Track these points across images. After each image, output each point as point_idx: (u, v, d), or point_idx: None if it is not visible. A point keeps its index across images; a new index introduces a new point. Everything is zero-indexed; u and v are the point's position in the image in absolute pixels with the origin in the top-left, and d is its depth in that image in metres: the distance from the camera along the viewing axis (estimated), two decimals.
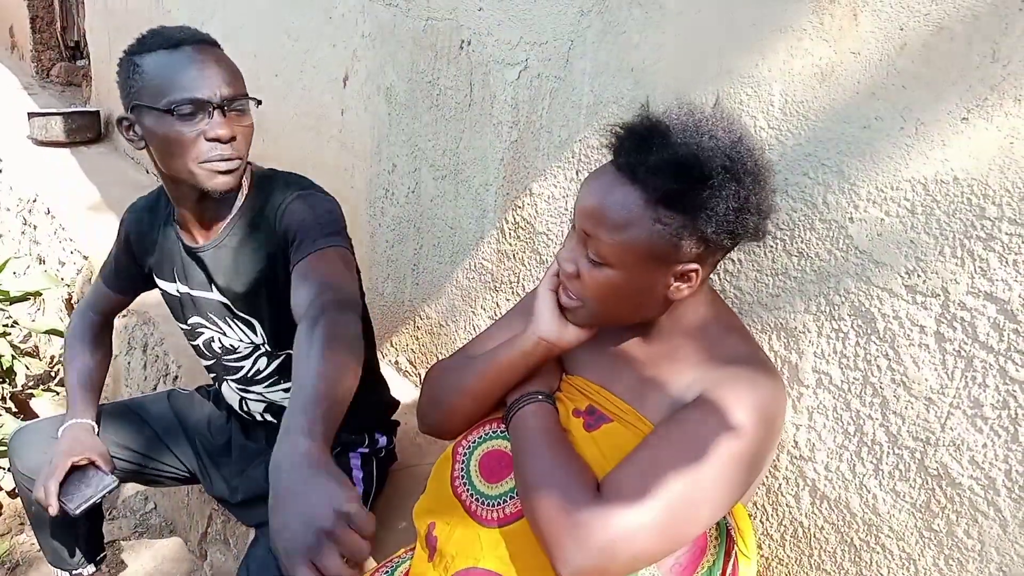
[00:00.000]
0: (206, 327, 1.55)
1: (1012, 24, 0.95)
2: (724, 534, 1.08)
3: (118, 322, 2.60)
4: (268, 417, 1.64)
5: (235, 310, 1.47)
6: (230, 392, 1.65)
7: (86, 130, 4.66)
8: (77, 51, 6.46)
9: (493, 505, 1.09)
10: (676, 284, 1.03)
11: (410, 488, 1.76)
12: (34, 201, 3.82)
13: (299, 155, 2.76)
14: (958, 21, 0.99)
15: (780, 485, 1.33)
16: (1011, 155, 0.98)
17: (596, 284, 1.04)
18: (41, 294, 3.24)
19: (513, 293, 1.87)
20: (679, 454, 0.97)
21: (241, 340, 1.52)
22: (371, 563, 1.56)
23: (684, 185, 0.95)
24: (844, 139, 1.14)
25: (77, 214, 3.53)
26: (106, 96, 4.85)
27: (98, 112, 4.82)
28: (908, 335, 1.12)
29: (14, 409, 2.84)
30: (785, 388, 1.13)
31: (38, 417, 2.51)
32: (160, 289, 1.58)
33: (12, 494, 2.47)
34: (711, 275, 1.11)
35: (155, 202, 1.54)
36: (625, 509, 0.93)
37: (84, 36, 5.53)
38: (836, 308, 1.20)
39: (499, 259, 1.88)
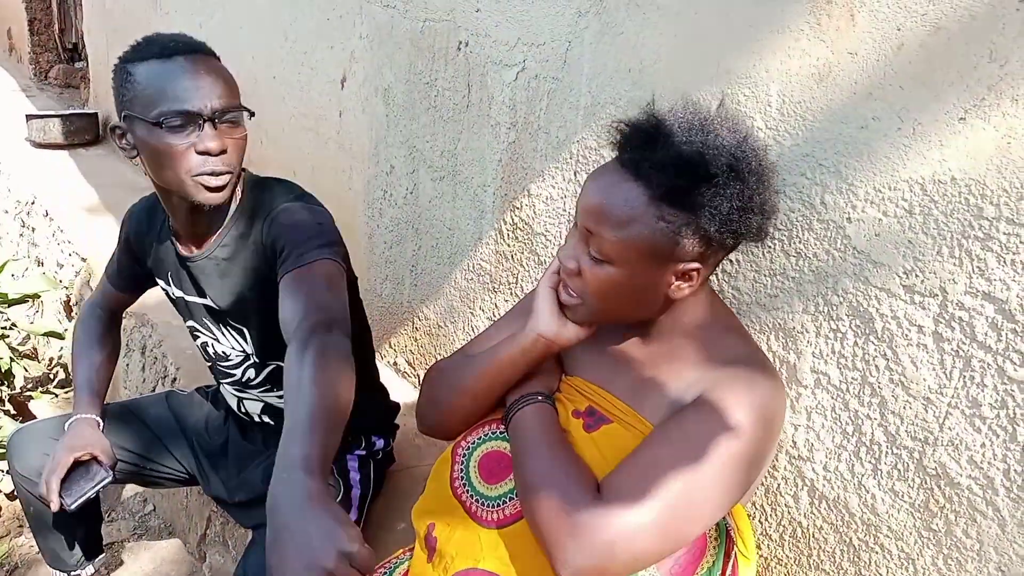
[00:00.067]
0: (201, 332, 1.55)
1: (1009, 24, 0.95)
2: (724, 534, 1.08)
3: None
4: (266, 419, 1.64)
5: (226, 319, 1.47)
6: (228, 393, 1.65)
7: (84, 132, 4.66)
8: (75, 53, 6.45)
9: (493, 506, 1.09)
10: (677, 283, 1.03)
11: (409, 489, 1.76)
12: (32, 203, 3.81)
13: (297, 156, 2.76)
14: (955, 21, 0.99)
15: (779, 485, 1.33)
16: (1008, 155, 0.98)
17: (597, 281, 1.04)
18: (39, 296, 3.24)
19: (511, 294, 1.87)
20: (679, 455, 0.97)
21: (233, 348, 1.52)
22: None
23: (688, 182, 0.95)
24: (842, 139, 1.14)
25: (75, 216, 3.52)
26: (104, 98, 4.85)
27: (96, 114, 4.82)
28: (906, 335, 1.12)
29: (12, 411, 2.83)
30: (784, 388, 1.13)
31: (36, 419, 2.51)
32: (161, 288, 1.58)
33: (11, 496, 2.47)
34: (710, 275, 1.11)
35: (154, 205, 1.54)
36: (625, 510, 0.93)
37: (82, 38, 5.52)
38: (834, 308, 1.20)
39: (497, 260, 1.88)
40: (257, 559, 1.38)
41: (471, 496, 1.12)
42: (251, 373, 1.55)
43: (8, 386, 2.88)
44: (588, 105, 1.53)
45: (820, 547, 1.30)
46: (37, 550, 2.00)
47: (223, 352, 1.54)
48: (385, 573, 1.25)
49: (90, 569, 1.77)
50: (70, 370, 1.70)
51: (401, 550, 1.30)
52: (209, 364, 1.63)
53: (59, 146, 4.56)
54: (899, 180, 1.09)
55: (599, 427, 1.10)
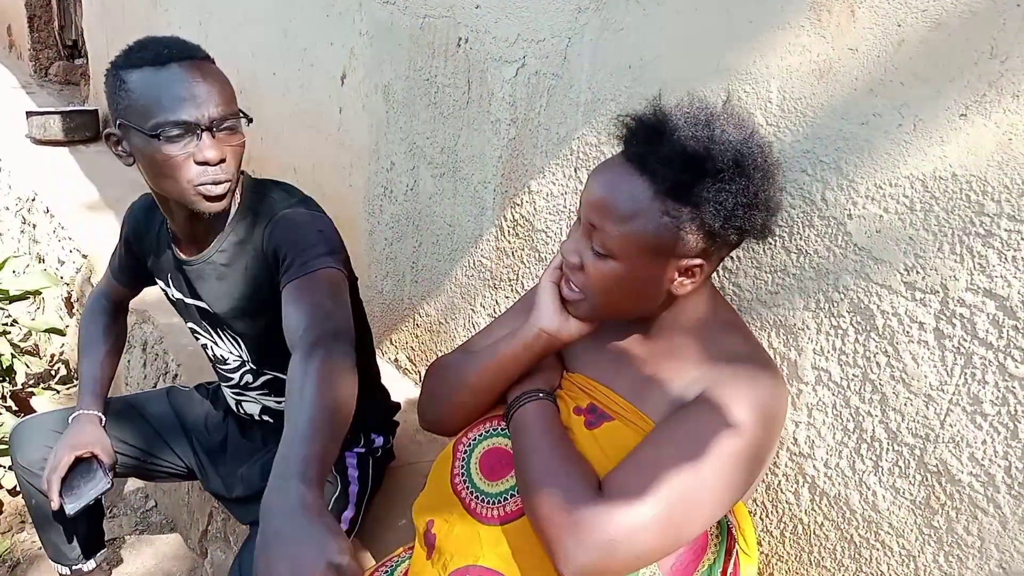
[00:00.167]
0: (200, 334, 1.56)
1: (1010, 20, 0.95)
2: (725, 532, 1.08)
3: None
4: (265, 417, 1.64)
5: (222, 325, 1.47)
6: (227, 394, 1.66)
7: (84, 129, 4.66)
8: (75, 50, 6.45)
9: (493, 503, 1.09)
10: (680, 279, 1.03)
11: (410, 485, 1.76)
12: (33, 200, 3.81)
13: (297, 153, 2.76)
14: (956, 17, 0.99)
15: (780, 482, 1.33)
16: (1010, 151, 0.97)
17: (599, 276, 1.03)
18: (40, 293, 3.24)
19: (512, 291, 1.87)
20: (680, 452, 0.97)
21: (230, 352, 1.52)
22: (370, 562, 1.56)
23: (694, 177, 0.95)
24: (842, 136, 1.14)
25: (76, 213, 3.52)
26: (104, 95, 4.84)
27: (96, 111, 4.82)
28: (907, 332, 1.12)
29: (14, 408, 2.84)
30: (786, 386, 1.13)
31: (39, 412, 2.51)
32: (161, 289, 1.58)
33: (13, 492, 2.48)
34: (713, 272, 1.11)
35: (152, 205, 1.53)
36: (626, 507, 0.93)
37: (82, 35, 5.52)
38: (835, 305, 1.20)
39: (498, 257, 1.88)
40: (252, 555, 1.38)
41: (471, 493, 1.12)
42: (248, 378, 1.55)
43: (10, 382, 2.89)
44: (588, 101, 1.53)
45: (821, 544, 1.30)
46: (39, 546, 2.01)
47: (221, 355, 1.55)
48: (387, 572, 1.25)
49: (91, 564, 1.77)
50: (75, 360, 1.70)
51: (402, 548, 1.30)
52: (211, 365, 1.64)
53: (59, 143, 4.56)
54: (900, 176, 1.08)
55: (600, 424, 1.10)
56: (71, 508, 1.47)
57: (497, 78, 1.75)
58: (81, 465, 1.51)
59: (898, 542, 1.19)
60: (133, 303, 1.78)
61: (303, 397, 1.06)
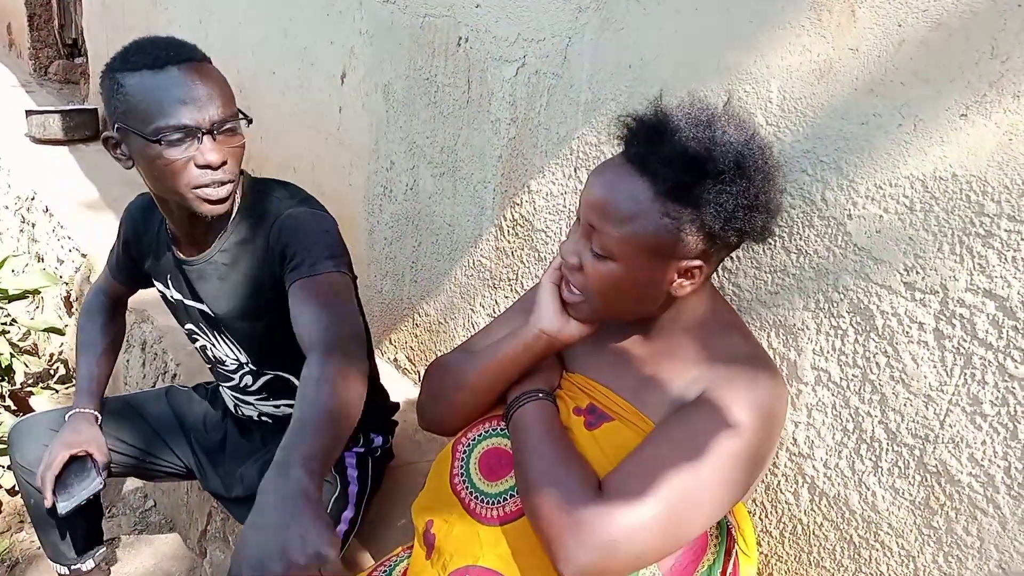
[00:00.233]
0: (199, 335, 1.55)
1: (1011, 20, 0.94)
2: (724, 532, 1.08)
3: None
4: (264, 419, 1.64)
5: (221, 327, 1.47)
6: (226, 396, 1.66)
7: (84, 128, 4.66)
8: (75, 49, 6.45)
9: (493, 503, 1.09)
10: (679, 280, 1.02)
11: (409, 485, 1.76)
12: (32, 199, 3.81)
13: (297, 153, 2.76)
14: (956, 17, 0.99)
15: (779, 482, 1.33)
16: (1010, 152, 0.97)
17: (599, 277, 1.03)
18: (40, 292, 3.23)
19: (512, 290, 1.86)
20: (680, 453, 0.97)
21: (227, 355, 1.52)
22: (369, 561, 1.56)
23: (694, 179, 0.95)
24: (842, 136, 1.14)
25: (75, 212, 3.52)
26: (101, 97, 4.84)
27: (96, 110, 4.81)
28: (907, 332, 1.12)
29: (13, 407, 2.84)
30: (786, 386, 1.13)
31: (37, 412, 2.52)
32: (159, 291, 1.58)
33: (12, 492, 2.48)
34: (712, 273, 1.11)
35: (150, 205, 1.53)
36: (626, 508, 0.93)
37: (82, 34, 5.52)
38: (835, 305, 1.19)
39: (497, 256, 1.88)
40: None
41: (471, 493, 1.12)
42: (248, 379, 1.55)
43: (9, 382, 2.89)
44: (588, 101, 1.53)
45: (820, 544, 1.30)
46: (38, 545, 2.01)
47: (220, 357, 1.54)
48: (385, 572, 1.25)
49: (90, 564, 1.77)
50: (73, 357, 1.71)
51: (400, 548, 1.30)
52: (209, 366, 1.64)
53: (59, 142, 4.56)
54: (900, 177, 1.08)
55: (600, 425, 1.10)
56: (63, 507, 1.48)
57: (497, 77, 1.75)
58: (76, 463, 1.52)
59: (897, 542, 1.19)
60: (133, 302, 1.78)
61: (317, 395, 1.08)
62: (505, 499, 1.08)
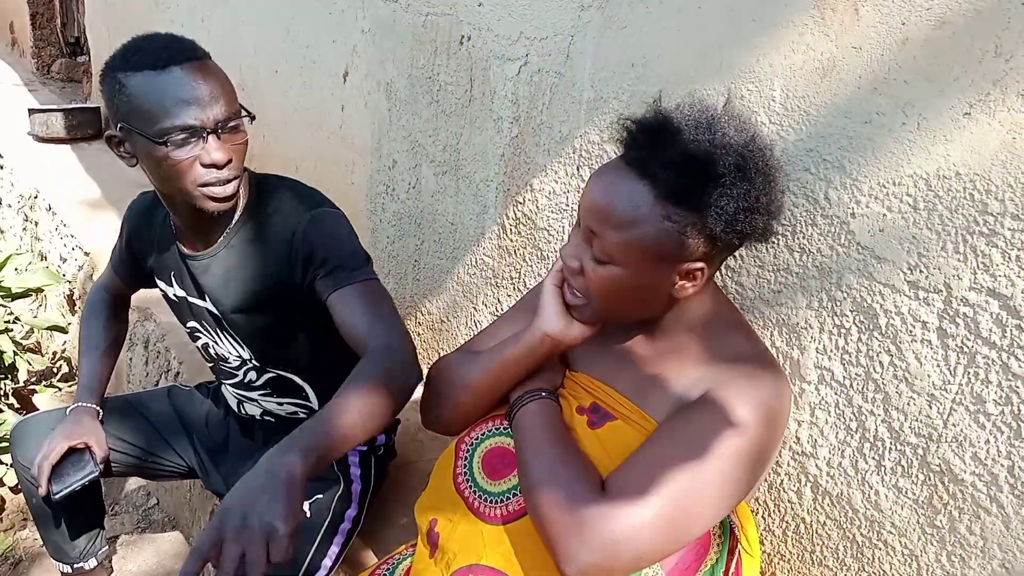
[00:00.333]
0: (202, 333, 1.55)
1: (1015, 19, 0.94)
2: (727, 532, 1.08)
3: None
4: (266, 418, 1.64)
5: (224, 322, 1.47)
6: (228, 394, 1.66)
7: (87, 126, 4.65)
8: (77, 47, 6.45)
9: (496, 502, 1.09)
10: (681, 282, 1.02)
11: (412, 484, 1.76)
12: (35, 198, 3.81)
13: (299, 151, 2.76)
14: (960, 15, 0.99)
15: (782, 481, 1.33)
16: (1014, 150, 0.97)
17: (600, 281, 1.03)
18: (43, 290, 3.24)
19: (514, 289, 1.86)
20: (683, 452, 0.97)
21: (230, 352, 1.52)
22: (372, 559, 1.56)
23: (695, 181, 0.95)
24: (846, 134, 1.13)
25: (78, 210, 3.52)
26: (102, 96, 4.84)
27: (99, 108, 4.81)
28: (911, 331, 1.12)
29: (16, 405, 2.84)
30: (789, 385, 1.13)
31: (40, 411, 2.52)
32: (160, 290, 1.58)
33: (15, 490, 2.48)
34: (715, 274, 1.10)
35: (153, 203, 1.53)
36: (629, 507, 0.93)
37: (84, 32, 5.52)
38: (838, 304, 1.19)
39: (500, 255, 1.88)
40: None
41: (474, 492, 1.12)
42: (252, 375, 1.55)
43: (12, 380, 2.89)
44: (591, 100, 1.53)
45: (823, 543, 1.29)
46: (41, 543, 2.01)
47: (223, 354, 1.54)
48: (388, 569, 1.25)
49: (92, 562, 1.78)
50: (76, 353, 1.72)
51: (404, 546, 1.30)
52: (211, 364, 1.63)
53: (61, 140, 4.56)
54: (903, 175, 1.08)
55: (603, 424, 1.09)
56: (57, 493, 1.49)
57: (499, 76, 1.75)
58: (73, 455, 1.54)
59: (900, 542, 1.19)
60: (135, 300, 1.79)
61: (356, 394, 1.11)
62: (508, 498, 1.08)
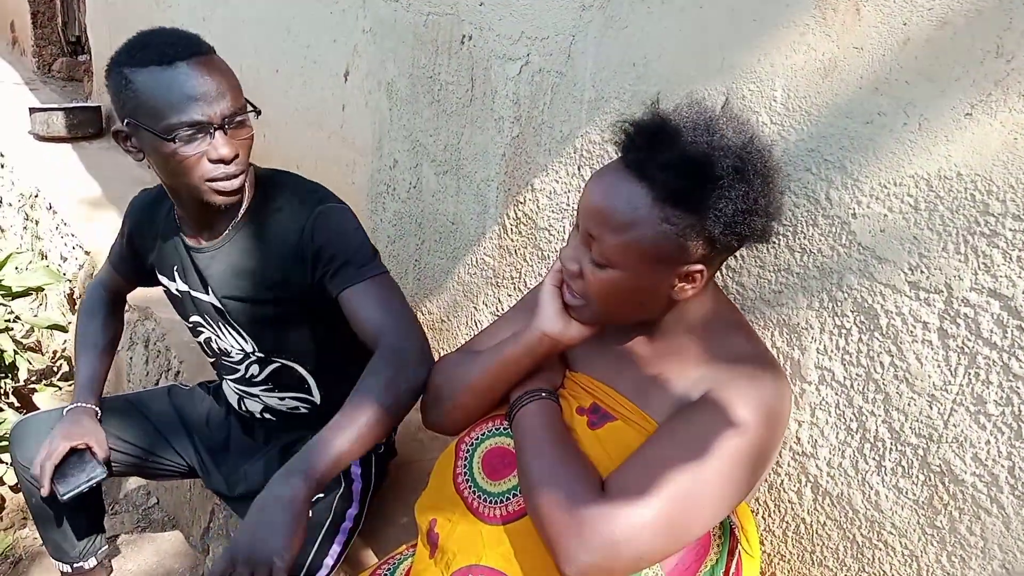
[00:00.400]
0: (204, 328, 1.55)
1: (1016, 19, 0.94)
2: (728, 532, 1.08)
3: None
4: (267, 416, 1.64)
5: (228, 315, 1.47)
6: (229, 390, 1.66)
7: (88, 125, 4.65)
8: (78, 46, 6.45)
9: (496, 502, 1.09)
10: (680, 284, 1.02)
11: (413, 483, 1.76)
12: (36, 196, 3.81)
13: (300, 151, 2.76)
14: (962, 16, 0.99)
15: (782, 481, 1.33)
16: (1015, 151, 0.97)
17: (599, 284, 1.03)
18: (43, 289, 3.24)
19: (515, 289, 1.86)
20: (683, 453, 0.96)
21: (233, 345, 1.52)
22: (372, 559, 1.56)
23: (693, 184, 0.94)
24: (847, 135, 1.13)
25: (79, 209, 3.53)
26: (108, 92, 4.84)
27: (100, 107, 4.81)
28: (911, 331, 1.12)
29: (16, 404, 2.84)
30: (789, 385, 1.12)
31: (40, 410, 2.52)
32: (162, 286, 1.58)
33: (15, 489, 2.48)
34: (714, 275, 1.10)
35: (159, 197, 1.54)
36: (629, 508, 0.93)
37: (85, 31, 5.52)
38: (839, 304, 1.19)
39: (501, 255, 1.88)
40: None
41: (474, 492, 1.12)
42: (254, 369, 1.55)
43: (12, 379, 2.89)
44: (592, 99, 1.53)
45: (823, 544, 1.29)
46: (40, 542, 2.01)
47: (225, 348, 1.54)
48: (389, 569, 1.25)
49: (92, 561, 1.77)
50: (73, 352, 1.71)
51: (404, 546, 1.30)
52: (212, 360, 1.63)
53: (62, 139, 4.56)
54: (904, 176, 1.08)
55: (603, 424, 1.09)
56: (65, 494, 1.49)
57: (501, 75, 1.75)
58: (74, 456, 1.53)
59: (901, 542, 1.19)
60: (135, 300, 1.79)
61: (368, 396, 1.19)
62: (508, 498, 1.08)
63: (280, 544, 1.07)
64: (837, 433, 1.24)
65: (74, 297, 3.28)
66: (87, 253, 3.16)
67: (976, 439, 1.07)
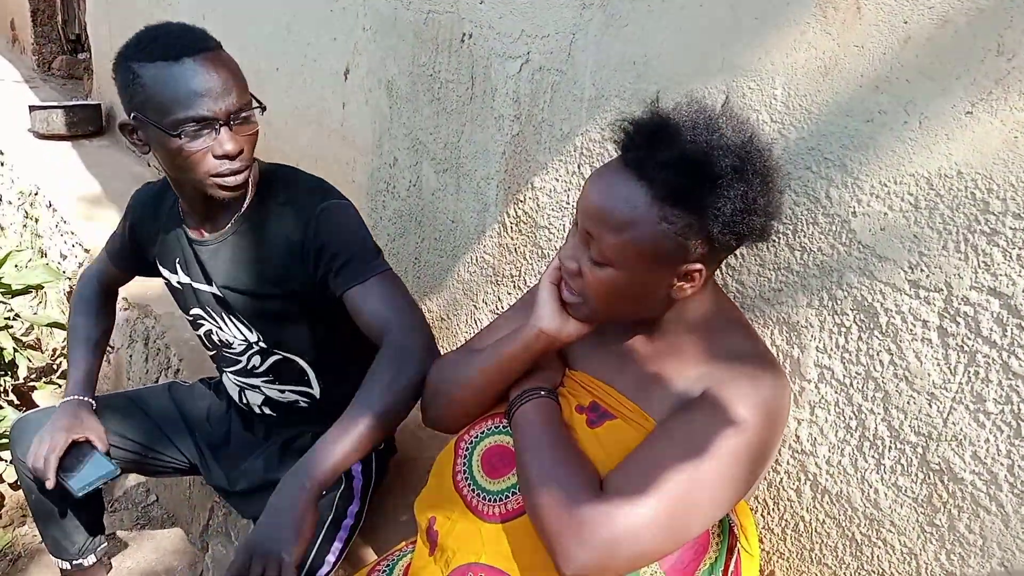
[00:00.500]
0: (205, 320, 1.55)
1: (1017, 17, 0.94)
2: (727, 531, 1.08)
3: (120, 315, 2.60)
4: (267, 411, 1.64)
5: (231, 307, 1.47)
6: (230, 383, 1.66)
7: (87, 123, 4.65)
8: (78, 44, 6.44)
9: (495, 501, 1.09)
10: (679, 284, 1.02)
11: (411, 481, 1.76)
12: (35, 194, 3.81)
13: (300, 149, 2.76)
14: (963, 14, 0.99)
15: (781, 479, 1.33)
16: (1016, 149, 0.97)
17: (598, 283, 1.03)
18: (43, 287, 3.24)
19: (514, 287, 1.86)
20: (682, 451, 0.96)
21: (235, 337, 1.52)
22: (372, 556, 1.56)
23: (692, 183, 0.94)
24: (847, 133, 1.13)
25: (78, 207, 3.53)
26: (107, 89, 4.84)
27: (99, 105, 4.81)
28: (911, 330, 1.12)
29: (16, 401, 2.84)
30: (789, 384, 1.12)
31: (39, 407, 2.52)
32: (164, 278, 1.58)
33: (14, 486, 2.48)
34: (713, 274, 1.10)
35: (163, 190, 1.55)
36: (628, 506, 0.93)
37: (85, 29, 5.51)
38: (839, 303, 1.19)
39: (500, 253, 1.88)
40: None
41: (473, 490, 1.12)
42: (256, 360, 1.55)
43: (12, 376, 2.89)
44: (592, 98, 1.53)
45: (822, 542, 1.30)
46: (40, 540, 2.01)
47: (227, 340, 1.54)
48: (388, 566, 1.25)
49: (92, 558, 1.77)
50: (67, 344, 1.71)
51: (404, 543, 1.30)
52: (213, 352, 1.63)
53: (62, 137, 4.55)
54: (905, 174, 1.08)
55: (602, 423, 1.09)
56: (80, 490, 1.48)
57: (501, 74, 1.75)
58: (75, 449, 1.53)
59: (900, 540, 1.19)
60: (134, 297, 1.79)
61: (372, 395, 1.23)
62: (507, 497, 1.08)
63: (289, 541, 1.14)
64: (836, 431, 1.24)
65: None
66: (87, 251, 3.15)
67: (975, 437, 1.07)
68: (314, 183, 1.46)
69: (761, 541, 1.38)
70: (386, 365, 1.26)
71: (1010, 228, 0.99)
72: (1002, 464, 1.05)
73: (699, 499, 0.96)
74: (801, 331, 1.25)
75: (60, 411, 1.56)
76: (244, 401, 1.66)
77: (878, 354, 1.16)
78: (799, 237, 1.22)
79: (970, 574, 1.11)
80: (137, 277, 1.72)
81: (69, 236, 3.35)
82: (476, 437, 1.17)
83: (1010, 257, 1.00)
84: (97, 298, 1.73)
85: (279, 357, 1.54)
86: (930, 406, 1.11)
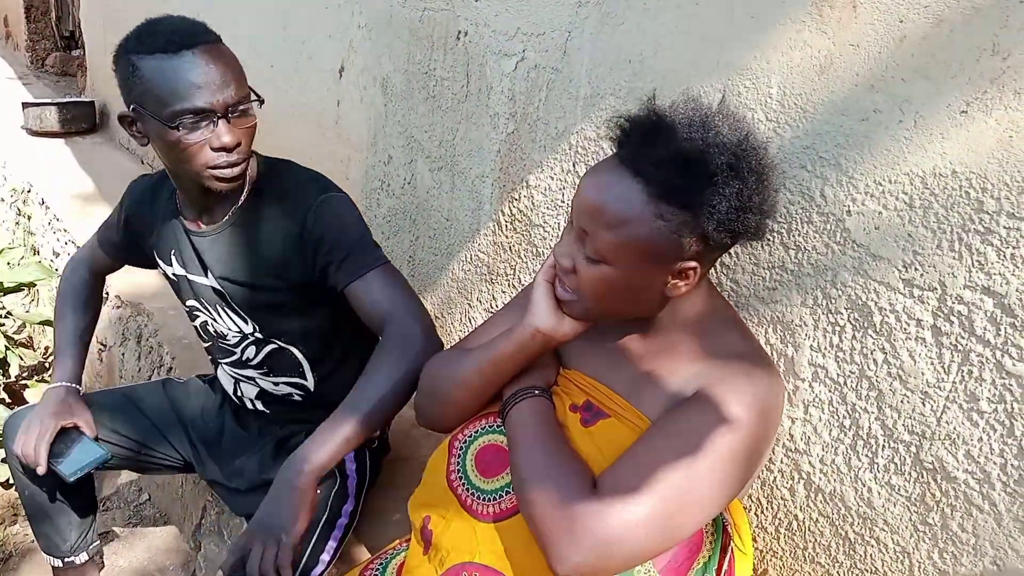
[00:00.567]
0: (201, 311, 1.55)
1: (1012, 17, 0.94)
2: (720, 529, 1.08)
3: (112, 313, 2.59)
4: (259, 406, 1.63)
5: (227, 298, 1.47)
6: (225, 376, 1.65)
7: (81, 120, 4.64)
8: (72, 41, 6.43)
9: (489, 500, 1.09)
10: (674, 281, 1.02)
11: (405, 480, 1.76)
12: (28, 192, 3.80)
13: (295, 146, 2.75)
14: (958, 13, 0.99)
15: (775, 478, 1.33)
16: (1010, 149, 0.97)
17: (592, 281, 1.02)
18: (35, 285, 3.23)
19: (509, 285, 1.86)
20: (676, 450, 0.96)
21: (230, 328, 1.52)
22: (365, 554, 1.56)
23: (688, 180, 0.94)
24: (842, 132, 1.13)
25: (71, 205, 3.51)
26: (101, 86, 4.83)
27: (93, 102, 4.79)
28: (905, 329, 1.12)
29: (7, 400, 2.83)
30: (783, 382, 1.12)
31: (31, 403, 2.51)
32: (161, 270, 1.58)
33: (6, 485, 2.47)
34: (708, 272, 1.10)
35: (160, 182, 1.55)
36: (621, 505, 0.93)
37: (79, 26, 5.50)
38: (833, 301, 1.19)
39: (495, 251, 1.88)
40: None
41: (467, 490, 1.11)
42: (250, 352, 1.55)
43: (3, 374, 2.88)
44: (588, 96, 1.53)
45: (816, 540, 1.30)
46: (32, 538, 2.00)
47: (222, 331, 1.54)
48: (381, 564, 1.25)
49: (84, 556, 1.77)
50: (53, 332, 1.70)
51: (397, 541, 1.30)
52: (208, 344, 1.63)
53: (55, 134, 4.54)
54: (899, 173, 1.08)
55: (596, 422, 1.09)
56: (72, 475, 1.48)
57: (496, 72, 1.74)
58: (63, 435, 1.53)
59: (893, 539, 1.19)
60: (127, 295, 1.79)
61: (373, 383, 1.27)
62: (501, 496, 1.08)
63: (289, 521, 1.19)
64: (830, 430, 1.24)
65: None
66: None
67: (968, 436, 1.08)
68: (312, 176, 1.48)
69: (755, 540, 1.38)
70: (388, 351, 1.29)
71: (1004, 227, 0.99)
72: (995, 463, 1.06)
73: (693, 498, 0.96)
74: (795, 330, 1.25)
75: (47, 398, 1.56)
76: (239, 395, 1.65)
77: (872, 353, 1.16)
78: (794, 236, 1.22)
79: (963, 573, 1.11)
80: (128, 275, 1.72)
81: (62, 234, 3.34)
82: (470, 436, 1.16)
83: (1004, 256, 1.00)
84: (85, 286, 1.73)
85: (274, 347, 1.54)
86: (924, 405, 1.12)
